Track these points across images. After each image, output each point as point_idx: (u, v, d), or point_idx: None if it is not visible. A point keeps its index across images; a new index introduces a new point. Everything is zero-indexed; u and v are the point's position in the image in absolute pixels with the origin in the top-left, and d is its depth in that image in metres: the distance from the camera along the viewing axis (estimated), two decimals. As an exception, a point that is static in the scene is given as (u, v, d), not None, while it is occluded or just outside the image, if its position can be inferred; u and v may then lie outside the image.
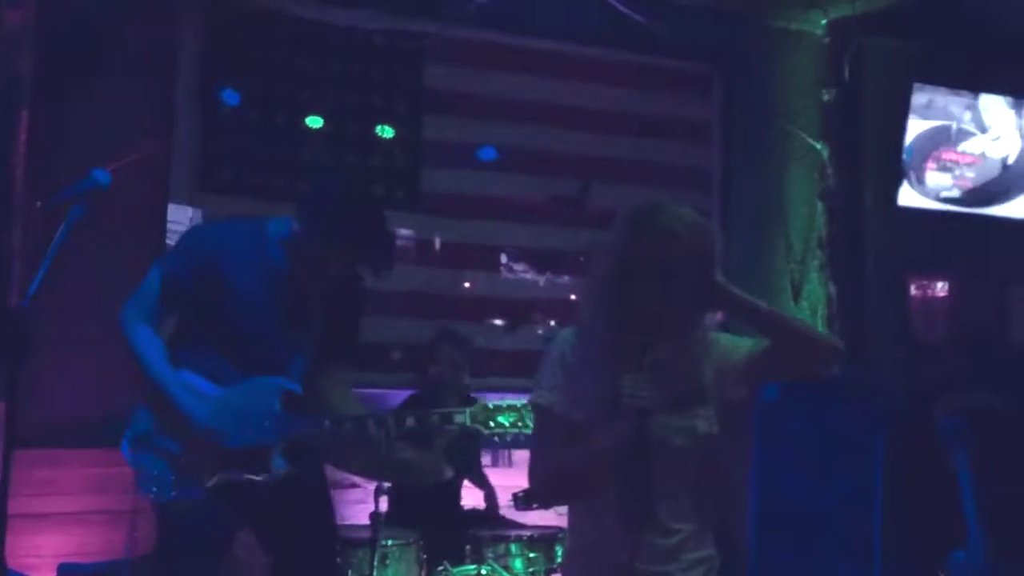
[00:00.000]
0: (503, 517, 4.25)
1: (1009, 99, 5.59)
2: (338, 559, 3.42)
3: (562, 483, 1.95)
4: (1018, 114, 5.63)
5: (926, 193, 5.47)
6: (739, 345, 2.02)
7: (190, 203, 4.35)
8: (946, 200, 5.50)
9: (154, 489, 2.77)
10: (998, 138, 5.62)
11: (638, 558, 1.87)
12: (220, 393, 2.81)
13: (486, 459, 4.58)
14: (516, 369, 4.43)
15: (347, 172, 4.48)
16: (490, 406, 2.82)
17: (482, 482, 4.41)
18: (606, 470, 1.87)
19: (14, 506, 2.38)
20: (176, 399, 2.76)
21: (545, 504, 2.06)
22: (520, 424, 2.80)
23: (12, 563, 3.13)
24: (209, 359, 2.81)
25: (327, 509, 3.06)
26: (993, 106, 5.59)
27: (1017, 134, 5.63)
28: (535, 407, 1.98)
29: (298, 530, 2.92)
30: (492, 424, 2.77)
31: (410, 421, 2.78)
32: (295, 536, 2.92)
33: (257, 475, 2.79)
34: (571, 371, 1.95)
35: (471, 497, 4.38)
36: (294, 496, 2.87)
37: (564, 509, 2.07)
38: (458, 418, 2.76)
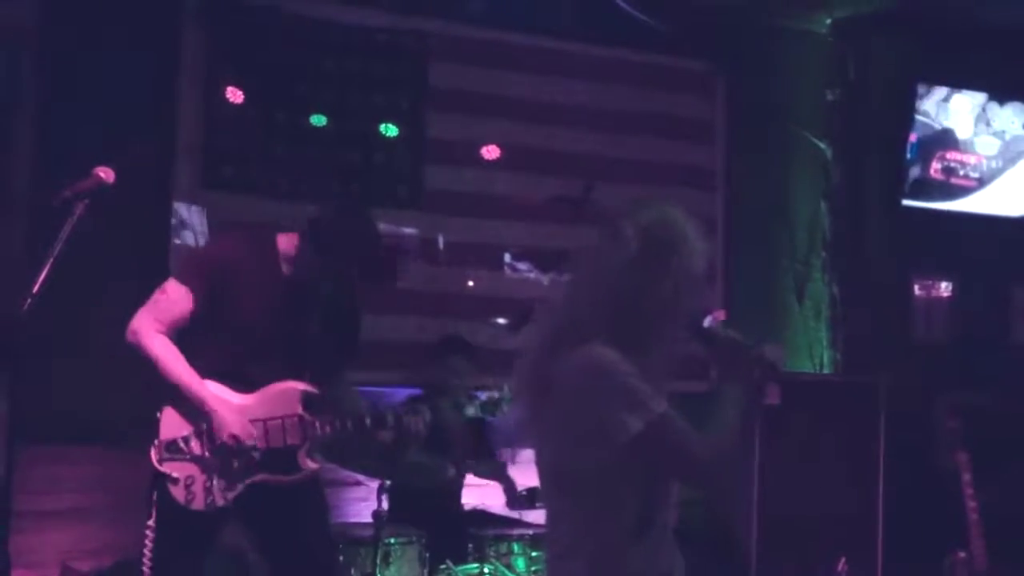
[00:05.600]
0: (505, 516, 4.25)
1: (1016, 100, 5.58)
2: (340, 557, 3.45)
3: (731, 453, 1.94)
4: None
5: (930, 193, 5.47)
6: None
7: (193, 201, 4.36)
8: (950, 200, 5.49)
9: (186, 496, 2.81)
10: (1003, 138, 5.61)
11: (655, 560, 1.91)
12: (246, 400, 2.89)
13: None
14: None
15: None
16: (496, 395, 3.18)
17: (501, 476, 4.41)
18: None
19: (19, 503, 2.39)
20: (208, 407, 2.82)
21: (715, 484, 1.97)
22: None
23: (16, 560, 3.14)
24: (221, 368, 2.88)
25: (323, 514, 3.12)
26: (997, 106, 5.58)
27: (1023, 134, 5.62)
28: (661, 418, 1.84)
29: (296, 535, 2.97)
30: (498, 413, 3.19)
31: (427, 415, 2.97)
32: (294, 541, 2.96)
33: (287, 475, 2.90)
34: (639, 376, 1.88)
35: (473, 496, 4.39)
36: (292, 502, 2.94)
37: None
38: (470, 410, 3.12)
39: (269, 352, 2.90)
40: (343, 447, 3.19)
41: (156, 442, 2.85)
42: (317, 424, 2.91)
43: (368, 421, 2.95)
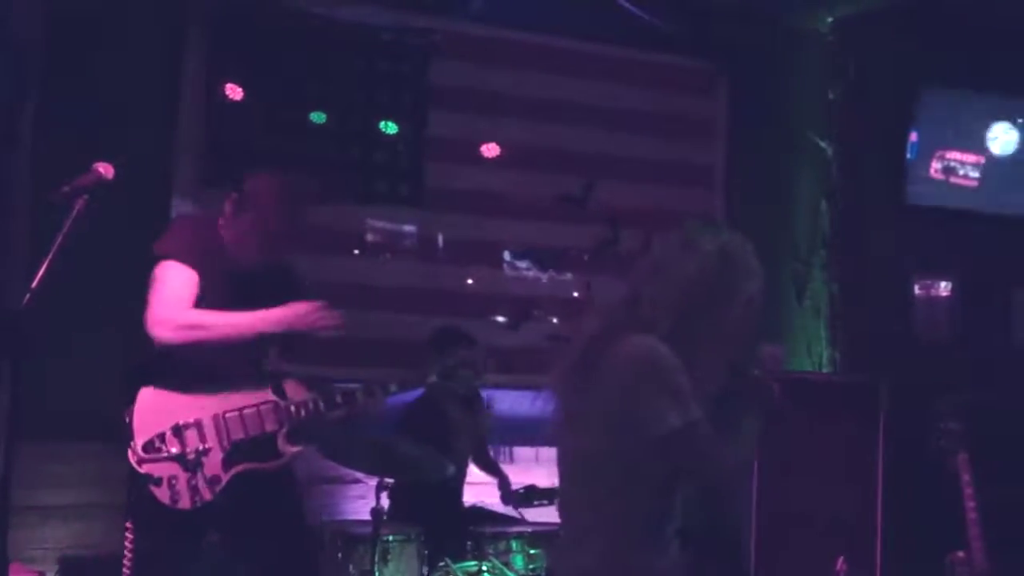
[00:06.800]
0: (504, 514, 4.26)
1: (1013, 99, 5.57)
2: (339, 554, 3.45)
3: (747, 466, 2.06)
4: (1020, 114, 5.60)
5: (930, 192, 5.46)
6: None
7: (193, 198, 4.35)
8: (950, 199, 5.48)
9: (171, 495, 2.81)
10: (1002, 139, 5.60)
11: (665, 562, 1.95)
12: (216, 396, 2.90)
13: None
14: (518, 366, 4.43)
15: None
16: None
17: (495, 470, 4.42)
18: None
19: (17, 498, 2.39)
20: (277, 315, 2.88)
21: (731, 492, 2.16)
22: None
23: (15, 555, 3.14)
24: (191, 363, 2.88)
25: (297, 509, 3.13)
26: (997, 106, 5.57)
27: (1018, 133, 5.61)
28: (697, 422, 1.89)
29: (276, 528, 2.99)
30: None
31: (393, 387, 3.07)
32: (274, 534, 2.98)
33: (269, 462, 2.93)
34: (686, 377, 1.92)
35: (473, 493, 4.39)
36: (263, 498, 2.94)
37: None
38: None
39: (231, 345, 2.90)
40: (337, 443, 3.20)
41: (131, 444, 2.83)
42: (292, 407, 2.95)
43: (338, 398, 3.00)
